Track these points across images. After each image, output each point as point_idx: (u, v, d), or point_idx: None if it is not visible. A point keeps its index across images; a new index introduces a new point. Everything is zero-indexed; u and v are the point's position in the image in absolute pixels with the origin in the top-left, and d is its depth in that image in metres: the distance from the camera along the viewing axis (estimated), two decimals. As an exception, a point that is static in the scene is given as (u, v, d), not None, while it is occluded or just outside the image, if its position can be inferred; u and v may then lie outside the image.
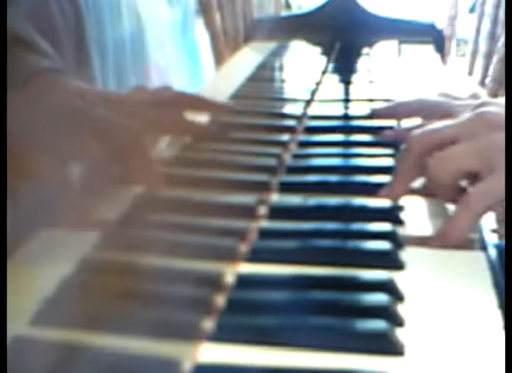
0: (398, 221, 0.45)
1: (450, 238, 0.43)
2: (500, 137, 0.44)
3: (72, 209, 0.44)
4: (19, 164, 0.41)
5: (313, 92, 0.79)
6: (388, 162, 0.55)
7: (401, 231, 0.44)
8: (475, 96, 0.55)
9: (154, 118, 0.55)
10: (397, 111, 0.63)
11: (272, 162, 0.55)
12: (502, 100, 0.48)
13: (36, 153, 0.43)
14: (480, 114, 0.47)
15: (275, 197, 0.50)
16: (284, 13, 1.85)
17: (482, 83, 1.52)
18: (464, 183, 0.46)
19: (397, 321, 0.34)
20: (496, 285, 0.38)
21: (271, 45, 1.10)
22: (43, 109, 0.46)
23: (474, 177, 0.45)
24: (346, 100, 0.79)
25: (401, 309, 0.35)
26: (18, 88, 0.45)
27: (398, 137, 0.57)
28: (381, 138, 0.60)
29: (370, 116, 0.65)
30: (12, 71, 0.44)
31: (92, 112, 0.47)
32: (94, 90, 0.56)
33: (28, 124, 0.44)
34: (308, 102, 0.75)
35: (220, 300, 0.35)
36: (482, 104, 0.49)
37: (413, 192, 0.49)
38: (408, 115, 0.61)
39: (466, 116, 0.47)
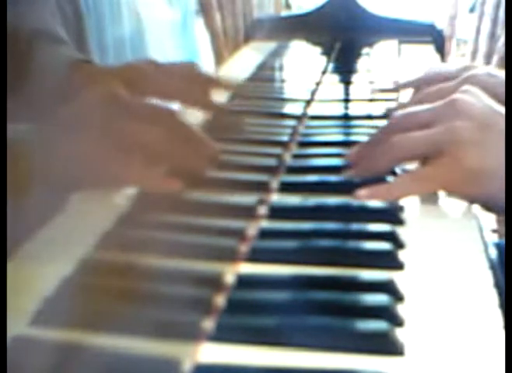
0: (398, 221, 0.45)
1: (378, 195, 0.47)
2: (462, 125, 0.46)
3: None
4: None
5: (313, 92, 0.79)
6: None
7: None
8: (466, 69, 0.58)
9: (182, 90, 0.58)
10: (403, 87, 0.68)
11: (272, 162, 0.55)
12: (485, 70, 0.53)
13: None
14: (452, 101, 0.48)
15: (275, 197, 0.50)
16: (284, 13, 1.85)
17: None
18: None
19: (397, 321, 0.34)
20: (496, 285, 0.38)
21: (271, 45, 1.10)
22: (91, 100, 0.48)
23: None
24: (346, 100, 0.79)
25: (401, 309, 0.35)
26: (59, 80, 0.47)
27: None
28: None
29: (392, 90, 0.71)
30: (53, 65, 0.46)
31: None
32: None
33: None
34: (308, 102, 0.75)
35: (220, 300, 0.36)
36: (466, 79, 0.52)
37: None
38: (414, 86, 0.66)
39: (442, 101, 0.49)
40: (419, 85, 0.65)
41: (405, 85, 0.69)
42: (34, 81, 0.44)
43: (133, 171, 0.47)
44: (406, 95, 0.68)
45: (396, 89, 0.72)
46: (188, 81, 0.62)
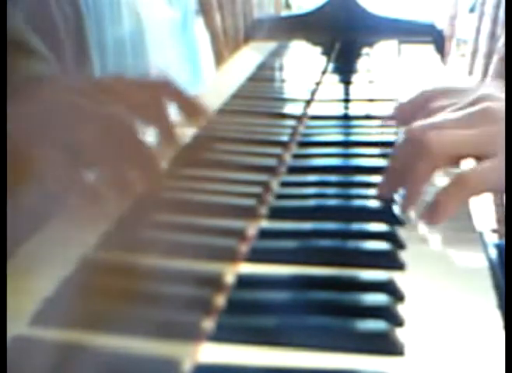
0: (398, 222, 0.45)
1: (439, 214, 0.43)
2: (503, 128, 0.44)
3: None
4: (21, 164, 0.41)
5: (313, 92, 0.79)
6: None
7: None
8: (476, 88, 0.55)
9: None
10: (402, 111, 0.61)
11: (272, 162, 0.55)
12: (502, 95, 0.48)
13: (36, 156, 0.42)
14: (483, 109, 0.46)
15: (275, 198, 0.50)
16: (284, 13, 1.85)
17: (482, 83, 1.52)
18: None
19: (397, 321, 0.34)
20: (496, 285, 0.38)
21: (271, 45, 1.10)
22: (41, 112, 0.46)
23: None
24: (346, 100, 0.79)
25: (401, 309, 0.35)
26: (14, 94, 0.45)
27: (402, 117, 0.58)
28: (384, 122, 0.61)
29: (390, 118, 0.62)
30: (11, 77, 0.44)
31: (90, 108, 0.46)
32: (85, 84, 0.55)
33: (26, 128, 0.44)
34: (308, 102, 0.75)
35: (220, 300, 0.36)
36: (482, 98, 0.48)
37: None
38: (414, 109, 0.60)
39: (466, 110, 0.47)
40: (421, 104, 0.61)
41: (406, 106, 0.61)
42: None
43: (58, 170, 0.43)
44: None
45: (396, 116, 0.62)
46: (153, 99, 0.57)
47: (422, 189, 0.45)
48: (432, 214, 0.43)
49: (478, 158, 0.44)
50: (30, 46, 0.55)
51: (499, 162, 0.43)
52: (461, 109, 0.47)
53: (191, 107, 0.57)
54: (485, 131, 0.44)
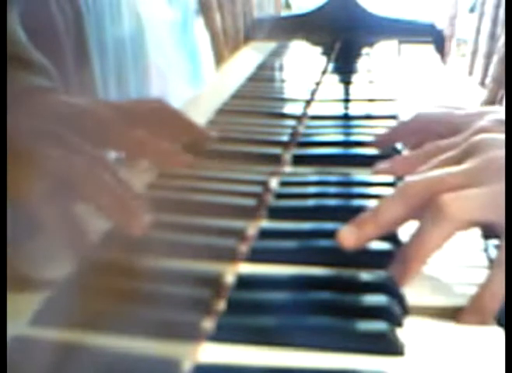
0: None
1: (488, 307, 0.36)
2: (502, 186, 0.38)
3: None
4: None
5: (313, 92, 0.79)
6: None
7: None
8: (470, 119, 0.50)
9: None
10: (398, 136, 0.57)
11: (272, 161, 0.55)
12: (502, 136, 0.43)
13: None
14: (489, 160, 0.41)
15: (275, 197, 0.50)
16: (284, 13, 1.85)
17: (482, 83, 1.53)
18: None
19: (397, 321, 0.34)
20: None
21: (271, 45, 1.10)
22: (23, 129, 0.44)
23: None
24: (346, 100, 0.79)
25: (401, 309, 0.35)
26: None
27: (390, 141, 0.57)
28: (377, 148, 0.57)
29: (371, 145, 0.58)
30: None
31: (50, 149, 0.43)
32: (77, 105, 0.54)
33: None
34: (308, 102, 0.75)
35: (220, 300, 0.36)
36: (481, 143, 0.43)
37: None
38: (410, 136, 0.56)
39: (471, 163, 0.41)
40: (413, 132, 0.56)
41: (396, 134, 0.57)
42: None
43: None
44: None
45: (384, 143, 0.58)
46: (157, 131, 0.53)
47: (428, 257, 0.39)
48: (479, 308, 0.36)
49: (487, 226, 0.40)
50: (28, 57, 0.54)
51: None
52: (453, 161, 0.43)
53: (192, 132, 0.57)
54: (498, 190, 0.38)
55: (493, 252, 0.42)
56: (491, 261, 0.40)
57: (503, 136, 0.43)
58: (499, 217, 0.38)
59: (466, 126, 0.48)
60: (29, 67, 0.53)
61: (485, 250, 0.42)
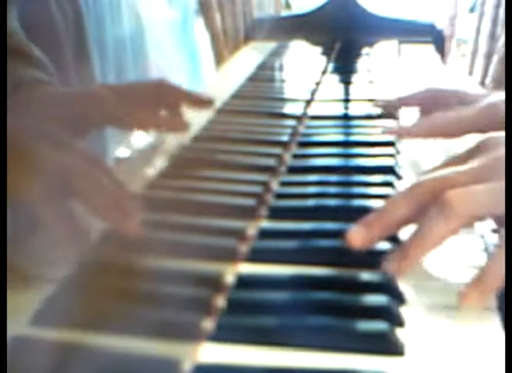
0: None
1: (488, 283, 0.36)
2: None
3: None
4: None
5: (313, 92, 0.79)
6: (389, 161, 0.55)
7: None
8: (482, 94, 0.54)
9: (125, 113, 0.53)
10: (405, 102, 0.63)
11: (272, 162, 0.55)
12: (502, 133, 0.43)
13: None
14: (496, 159, 0.41)
15: (275, 198, 0.50)
16: (284, 13, 1.85)
17: (482, 83, 1.52)
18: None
19: (397, 321, 0.34)
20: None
21: (271, 45, 1.10)
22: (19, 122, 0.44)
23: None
24: (346, 100, 0.79)
25: (401, 309, 0.35)
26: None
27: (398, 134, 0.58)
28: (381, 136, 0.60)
29: (376, 105, 0.65)
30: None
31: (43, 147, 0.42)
32: (77, 93, 0.54)
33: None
34: (308, 102, 0.75)
35: (220, 300, 0.36)
36: (486, 108, 0.46)
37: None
38: (417, 104, 0.61)
39: (478, 161, 0.41)
40: (422, 102, 0.61)
41: (408, 100, 0.64)
42: None
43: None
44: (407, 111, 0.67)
45: (397, 103, 0.67)
46: (156, 104, 0.57)
47: (428, 253, 0.38)
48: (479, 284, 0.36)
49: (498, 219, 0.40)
50: (26, 51, 0.55)
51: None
52: (462, 160, 0.43)
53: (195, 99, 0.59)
54: (503, 186, 0.39)
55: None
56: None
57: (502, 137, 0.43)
58: (504, 211, 0.38)
59: (474, 99, 0.51)
60: (28, 61, 0.54)
61: (486, 250, 0.42)
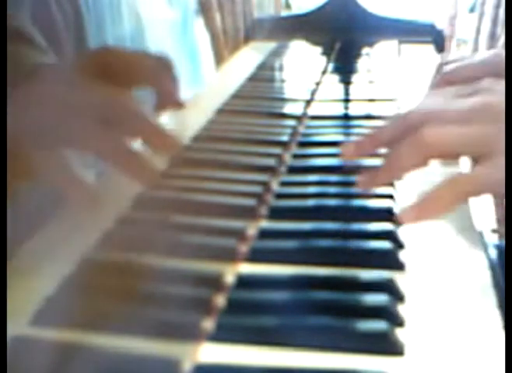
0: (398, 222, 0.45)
1: (425, 212, 0.40)
2: (501, 128, 0.42)
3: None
4: (20, 163, 0.41)
5: (313, 92, 0.79)
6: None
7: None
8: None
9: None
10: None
11: (272, 162, 0.55)
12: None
13: (38, 149, 0.42)
14: (484, 105, 0.43)
15: (275, 198, 0.50)
16: (284, 13, 1.85)
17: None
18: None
19: (397, 321, 0.34)
20: (496, 285, 0.38)
21: (271, 45, 1.10)
22: (44, 103, 0.45)
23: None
24: (346, 100, 0.79)
25: (401, 309, 0.35)
26: (19, 84, 0.44)
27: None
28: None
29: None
30: (13, 66, 0.44)
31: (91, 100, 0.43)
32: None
33: (30, 120, 0.43)
34: (308, 102, 0.75)
35: (220, 300, 0.36)
36: (486, 89, 0.47)
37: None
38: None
39: (467, 103, 0.44)
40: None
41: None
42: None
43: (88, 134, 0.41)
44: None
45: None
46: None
47: (397, 177, 0.44)
48: (419, 209, 0.40)
49: (474, 158, 0.43)
50: (35, 38, 0.55)
51: (496, 165, 0.41)
52: (462, 96, 0.45)
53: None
54: (483, 131, 0.42)
55: (493, 252, 0.42)
56: (491, 261, 0.41)
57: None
58: (474, 153, 0.41)
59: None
60: (36, 46, 0.54)
61: (485, 250, 0.42)
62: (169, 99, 0.52)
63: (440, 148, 0.42)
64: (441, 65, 0.59)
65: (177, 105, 0.51)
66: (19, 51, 0.51)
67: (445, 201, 0.41)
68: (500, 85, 0.45)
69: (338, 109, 0.74)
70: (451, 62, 0.56)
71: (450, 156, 0.43)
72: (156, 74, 0.52)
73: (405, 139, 0.42)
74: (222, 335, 0.33)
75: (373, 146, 0.45)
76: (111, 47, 0.55)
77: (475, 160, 0.43)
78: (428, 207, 0.40)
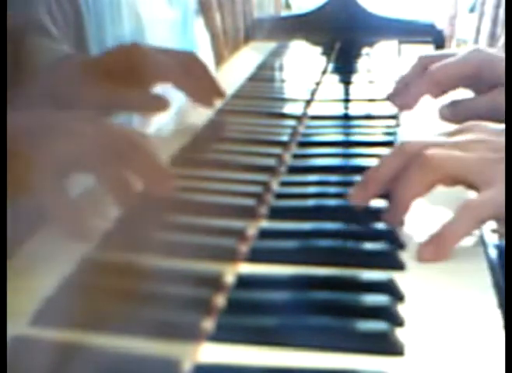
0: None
1: (445, 242, 0.41)
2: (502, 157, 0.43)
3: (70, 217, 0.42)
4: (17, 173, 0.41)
5: (313, 92, 0.79)
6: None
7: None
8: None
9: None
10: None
11: (272, 162, 0.55)
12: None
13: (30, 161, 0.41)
14: (478, 138, 0.45)
15: (275, 198, 0.50)
16: (284, 13, 1.85)
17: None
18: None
19: (397, 321, 0.34)
20: (496, 285, 0.38)
21: (271, 45, 1.10)
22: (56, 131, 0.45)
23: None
24: (346, 100, 0.79)
25: (401, 309, 0.35)
26: (43, 73, 0.45)
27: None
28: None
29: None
30: (36, 56, 0.44)
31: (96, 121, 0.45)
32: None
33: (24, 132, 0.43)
34: (308, 102, 0.75)
35: (220, 300, 0.36)
36: (473, 126, 0.47)
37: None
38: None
39: (464, 137, 0.45)
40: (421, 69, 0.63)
41: (407, 78, 0.66)
42: (22, 73, 0.43)
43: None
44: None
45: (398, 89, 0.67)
46: (187, 69, 0.59)
47: (412, 203, 0.43)
48: (438, 244, 0.41)
49: (471, 186, 0.43)
50: (53, 31, 0.56)
51: (498, 193, 0.41)
52: (454, 134, 0.46)
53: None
54: (484, 157, 0.43)
55: (493, 252, 0.42)
56: (491, 261, 0.41)
57: (494, 125, 0.47)
58: (477, 178, 0.42)
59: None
60: (56, 39, 0.55)
61: (485, 250, 0.42)
62: (197, 97, 0.55)
63: (445, 170, 0.43)
64: (421, 58, 0.64)
65: (208, 102, 0.59)
66: (41, 43, 0.51)
67: (462, 230, 0.41)
68: (490, 125, 0.47)
69: (338, 109, 0.74)
70: (432, 57, 0.59)
71: (452, 181, 0.44)
72: (184, 73, 0.54)
73: (410, 167, 0.43)
74: (222, 335, 0.33)
75: (378, 186, 0.45)
76: (141, 45, 0.56)
77: (472, 187, 0.44)
78: (447, 239, 0.41)
